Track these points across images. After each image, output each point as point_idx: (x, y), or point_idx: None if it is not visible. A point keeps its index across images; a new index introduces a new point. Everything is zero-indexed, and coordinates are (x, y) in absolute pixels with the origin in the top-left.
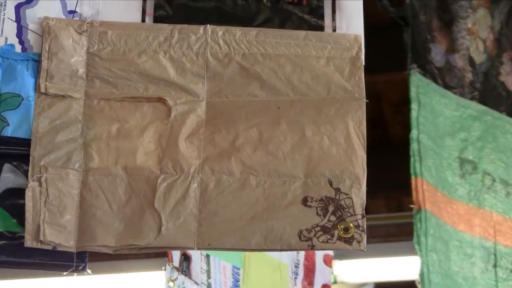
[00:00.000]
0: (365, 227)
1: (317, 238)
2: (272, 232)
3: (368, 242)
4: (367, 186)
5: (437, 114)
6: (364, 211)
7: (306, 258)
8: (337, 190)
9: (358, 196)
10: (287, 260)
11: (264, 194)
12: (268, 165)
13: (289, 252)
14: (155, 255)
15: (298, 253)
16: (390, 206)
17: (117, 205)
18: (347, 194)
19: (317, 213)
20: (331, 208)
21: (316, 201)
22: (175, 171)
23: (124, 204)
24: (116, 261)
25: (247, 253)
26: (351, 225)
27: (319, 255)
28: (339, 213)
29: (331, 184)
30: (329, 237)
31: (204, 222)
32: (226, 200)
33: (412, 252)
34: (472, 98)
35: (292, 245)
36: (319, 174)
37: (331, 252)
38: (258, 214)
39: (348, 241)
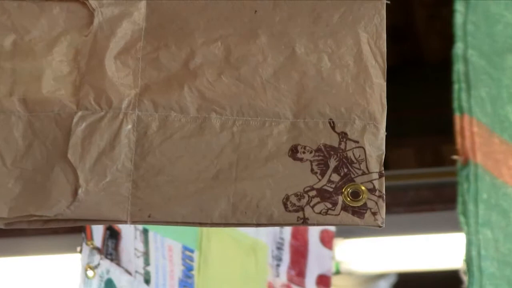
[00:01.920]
0: (383, 191)
1: (312, 207)
2: (244, 198)
3: (388, 212)
4: (387, 129)
5: (493, 19)
6: (383, 167)
7: (294, 236)
8: (343, 135)
9: (374, 145)
10: (265, 239)
11: (232, 141)
12: (239, 97)
13: (269, 228)
14: (66, 230)
15: (282, 228)
16: (422, 159)
17: (12, 156)
18: (357, 142)
19: (312, 170)
20: (333, 163)
21: (311, 152)
22: (99, 105)
23: (23, 155)
24: (9, 238)
25: (205, 228)
26: (363, 188)
27: (314, 232)
28: (345, 170)
29: (333, 127)
30: (329, 206)
31: (142, 183)
32: (176, 150)
33: (455, 227)
34: None
35: (274, 217)
36: (316, 112)
37: (332, 228)
38: (223, 171)
39: (359, 212)
